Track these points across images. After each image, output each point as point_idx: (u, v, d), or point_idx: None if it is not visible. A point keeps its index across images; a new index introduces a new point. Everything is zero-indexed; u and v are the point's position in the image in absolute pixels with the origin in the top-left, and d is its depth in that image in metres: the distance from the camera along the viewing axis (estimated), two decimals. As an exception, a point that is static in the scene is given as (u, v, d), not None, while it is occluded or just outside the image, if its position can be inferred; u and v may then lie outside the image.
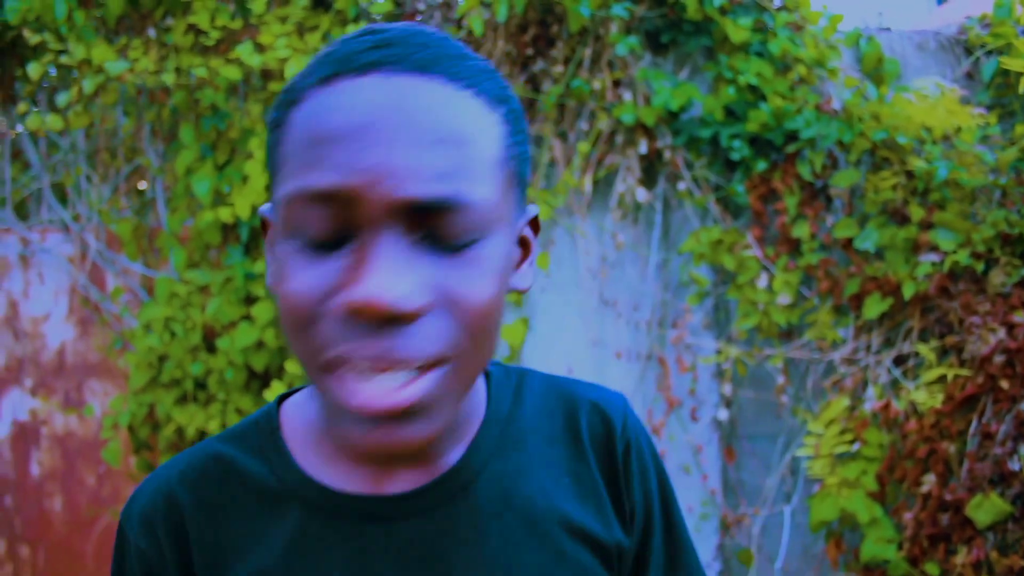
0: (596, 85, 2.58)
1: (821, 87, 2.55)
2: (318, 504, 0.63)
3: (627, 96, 2.59)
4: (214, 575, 0.63)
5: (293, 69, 2.70)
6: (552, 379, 0.75)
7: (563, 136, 2.65)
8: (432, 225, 0.52)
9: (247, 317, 2.91)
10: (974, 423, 1.86)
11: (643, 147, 2.59)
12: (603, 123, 2.58)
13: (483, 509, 0.64)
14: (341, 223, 0.52)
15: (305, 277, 0.53)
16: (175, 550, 0.64)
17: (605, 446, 0.71)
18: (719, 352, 2.45)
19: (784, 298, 2.34)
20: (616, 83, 2.63)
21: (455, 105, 0.53)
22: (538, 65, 2.62)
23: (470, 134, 0.53)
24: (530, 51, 2.61)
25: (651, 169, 2.65)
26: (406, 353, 0.51)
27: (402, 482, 0.64)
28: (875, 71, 2.71)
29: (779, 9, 2.61)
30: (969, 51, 2.85)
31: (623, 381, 2.57)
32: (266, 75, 2.93)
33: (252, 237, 2.98)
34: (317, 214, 0.52)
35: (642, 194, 2.57)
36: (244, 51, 2.78)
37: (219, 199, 2.99)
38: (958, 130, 2.36)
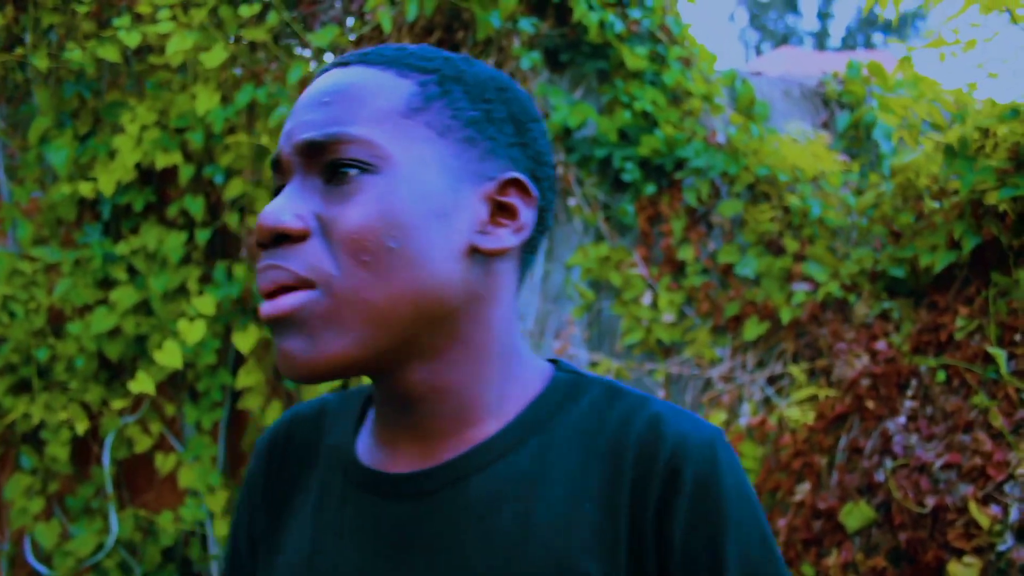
0: (497, 95, 2.62)
1: (706, 120, 2.72)
2: (344, 469, 0.70)
3: (525, 109, 2.64)
4: (273, 512, 0.74)
5: (176, 47, 2.54)
6: (627, 395, 0.68)
7: (460, 142, 2.66)
8: (325, 163, 0.62)
9: (104, 301, 2.70)
10: (843, 439, 2.04)
11: (537, 161, 2.65)
12: (501, 133, 2.62)
13: (469, 508, 0.64)
14: (281, 177, 0.66)
15: None
16: (265, 478, 0.76)
17: (645, 470, 0.62)
18: (598, 364, 2.54)
19: (668, 316, 2.46)
20: (515, 95, 2.67)
21: (352, 77, 0.64)
22: (441, 69, 2.62)
23: (357, 93, 0.63)
24: (434, 54, 2.61)
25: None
26: (280, 271, 0.61)
27: (405, 464, 0.67)
28: (747, 111, 2.92)
29: (672, 43, 2.76)
30: (826, 103, 3.14)
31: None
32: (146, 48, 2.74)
33: (115, 215, 2.77)
34: (275, 178, 0.67)
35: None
36: (123, 23, 2.59)
37: (78, 172, 2.76)
38: (823, 174, 2.59)
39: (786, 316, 2.30)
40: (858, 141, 3.00)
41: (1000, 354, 1.88)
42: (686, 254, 2.50)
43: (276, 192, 0.67)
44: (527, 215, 0.67)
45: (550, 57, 2.74)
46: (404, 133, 0.63)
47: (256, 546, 0.75)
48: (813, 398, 2.16)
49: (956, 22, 2.28)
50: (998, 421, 1.82)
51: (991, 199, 1.98)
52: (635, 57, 2.66)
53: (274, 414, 2.56)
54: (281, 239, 0.61)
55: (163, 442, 2.83)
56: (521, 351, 0.70)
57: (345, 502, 0.68)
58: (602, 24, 2.63)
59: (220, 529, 2.64)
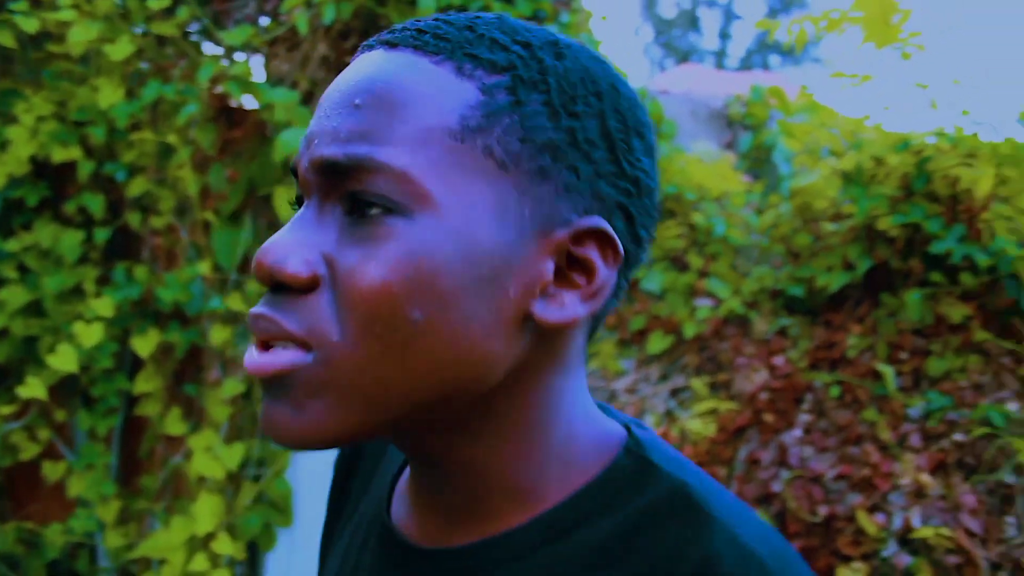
0: (412, 103, 2.62)
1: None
2: (374, 517, 0.62)
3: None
4: (334, 521, 0.69)
5: (79, 36, 2.44)
6: (690, 512, 0.51)
7: (374, 148, 2.65)
8: (349, 193, 0.49)
9: (-9, 301, 2.56)
10: (742, 451, 2.12)
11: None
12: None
13: None
14: (298, 188, 0.53)
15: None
16: (347, 474, 0.70)
17: None
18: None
19: (576, 328, 2.51)
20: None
21: (396, 70, 0.49)
22: (357, 74, 2.60)
23: (399, 97, 0.48)
24: (348, 59, 2.59)
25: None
26: (271, 324, 0.48)
27: (428, 531, 0.57)
28: (656, 129, 3.01)
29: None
30: (730, 124, 3.26)
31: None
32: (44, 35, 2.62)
33: (6, 210, 2.64)
34: (297, 188, 0.53)
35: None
36: (20, 7, 2.48)
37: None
38: (727, 193, 2.69)
39: (690, 331, 2.37)
40: (759, 162, 3.13)
41: (888, 371, 1.99)
42: (596, 267, 2.55)
43: (296, 201, 0.54)
44: (605, 276, 0.51)
45: (466, 67, 2.75)
46: (453, 163, 0.48)
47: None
48: (714, 411, 2.24)
49: (852, 54, 2.41)
50: (885, 434, 1.93)
51: (883, 224, 2.10)
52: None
53: (174, 421, 2.49)
54: (281, 285, 0.49)
55: (51, 449, 2.71)
56: (578, 427, 0.55)
57: (364, 550, 0.61)
58: (518, 38, 2.66)
59: (112, 540, 2.53)
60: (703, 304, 2.42)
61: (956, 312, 1.99)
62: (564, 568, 0.51)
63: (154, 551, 2.35)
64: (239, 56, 2.54)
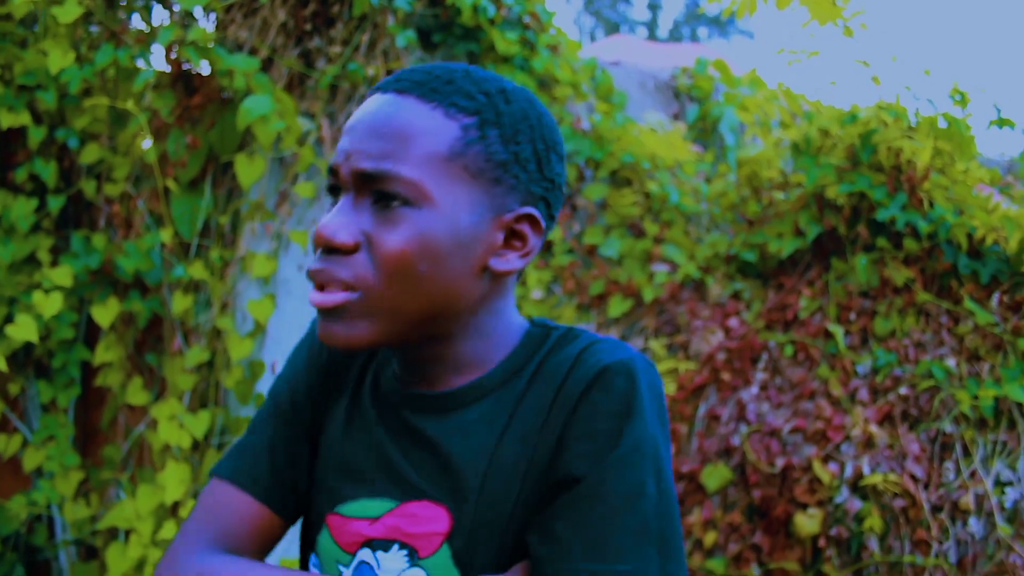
0: (371, 71, 2.62)
1: (572, 107, 2.84)
2: (380, 383, 0.88)
3: (399, 87, 2.66)
4: (325, 399, 0.90)
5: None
6: (573, 335, 0.82)
7: (332, 116, 2.65)
8: (376, 190, 0.76)
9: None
10: (702, 408, 2.23)
11: (410, 138, 2.69)
12: (375, 109, 2.63)
13: (451, 424, 0.81)
14: (338, 185, 0.80)
15: (324, 217, 0.79)
16: (317, 361, 0.92)
17: (565, 396, 0.77)
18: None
19: (537, 293, 2.58)
20: (388, 73, 2.69)
21: (407, 113, 0.77)
22: (314, 42, 2.59)
23: (412, 133, 0.76)
24: (308, 26, 2.58)
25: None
26: (328, 275, 0.76)
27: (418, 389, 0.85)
28: (606, 100, 3.08)
29: (541, 30, 2.86)
30: (677, 95, 3.35)
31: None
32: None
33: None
34: (330, 178, 0.80)
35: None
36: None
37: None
38: (679, 163, 2.78)
39: (648, 295, 2.47)
40: (706, 133, 3.23)
41: (838, 331, 2.12)
42: (553, 235, 2.61)
43: (330, 190, 0.81)
44: (535, 242, 0.81)
45: (423, 37, 2.76)
46: (444, 176, 0.76)
47: (309, 405, 0.91)
48: (674, 371, 2.34)
49: (783, 27, 2.52)
50: (837, 390, 2.06)
51: (831, 193, 2.22)
52: (506, 41, 2.73)
53: (135, 391, 2.47)
54: (334, 249, 0.76)
55: (3, 423, 2.65)
56: (510, 326, 0.84)
57: (373, 404, 0.87)
58: (475, 7, 2.68)
59: (71, 513, 2.51)
60: (660, 269, 2.51)
61: (900, 275, 2.13)
62: (509, 394, 0.80)
63: (121, 521, 2.34)
64: (198, 16, 2.50)
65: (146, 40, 2.48)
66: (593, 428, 0.74)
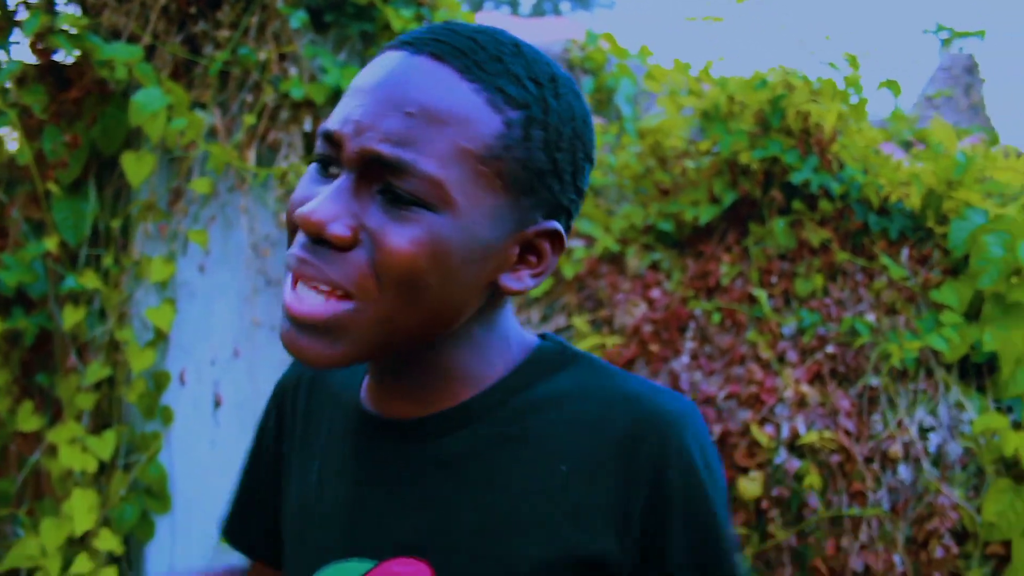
0: (262, 56, 2.47)
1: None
2: (346, 412, 0.77)
3: (293, 71, 2.53)
4: (301, 443, 0.80)
5: None
6: (608, 370, 0.72)
7: (224, 106, 2.49)
8: (388, 180, 0.62)
9: None
10: (634, 381, 2.23)
11: (308, 124, 2.56)
12: (269, 97, 2.48)
13: (436, 457, 0.70)
14: (334, 158, 0.64)
15: (301, 189, 0.65)
16: (279, 414, 0.84)
17: (625, 448, 0.67)
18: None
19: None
20: (281, 57, 2.54)
21: (444, 91, 0.62)
22: (199, 26, 2.41)
23: (445, 118, 0.61)
24: (192, 9, 2.40)
25: (313, 148, 2.61)
26: (317, 272, 0.62)
27: (397, 412, 0.73)
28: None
29: (436, 7, 2.77)
30: (572, 68, 3.32)
31: (287, 362, 2.50)
32: None
33: None
34: (322, 147, 0.65)
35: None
36: None
37: None
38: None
39: (568, 271, 2.44)
40: (602, 104, 3.22)
41: (762, 294, 2.16)
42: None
43: (320, 160, 0.66)
44: (552, 262, 0.69)
45: (314, 17, 2.63)
46: (473, 179, 0.63)
47: (281, 455, 0.82)
48: (601, 346, 2.33)
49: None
50: (766, 353, 2.09)
51: (744, 159, 2.25)
52: (401, 19, 2.63)
53: (26, 417, 2.26)
54: (325, 240, 0.62)
55: None
56: (508, 336, 0.73)
57: (345, 439, 0.75)
58: (368, -15, 2.57)
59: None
60: (577, 245, 2.49)
61: (816, 236, 2.18)
62: (508, 421, 0.69)
63: (23, 561, 2.14)
64: (64, 8, 2.28)
65: (5, 29, 2.24)
66: (696, 520, 0.66)
